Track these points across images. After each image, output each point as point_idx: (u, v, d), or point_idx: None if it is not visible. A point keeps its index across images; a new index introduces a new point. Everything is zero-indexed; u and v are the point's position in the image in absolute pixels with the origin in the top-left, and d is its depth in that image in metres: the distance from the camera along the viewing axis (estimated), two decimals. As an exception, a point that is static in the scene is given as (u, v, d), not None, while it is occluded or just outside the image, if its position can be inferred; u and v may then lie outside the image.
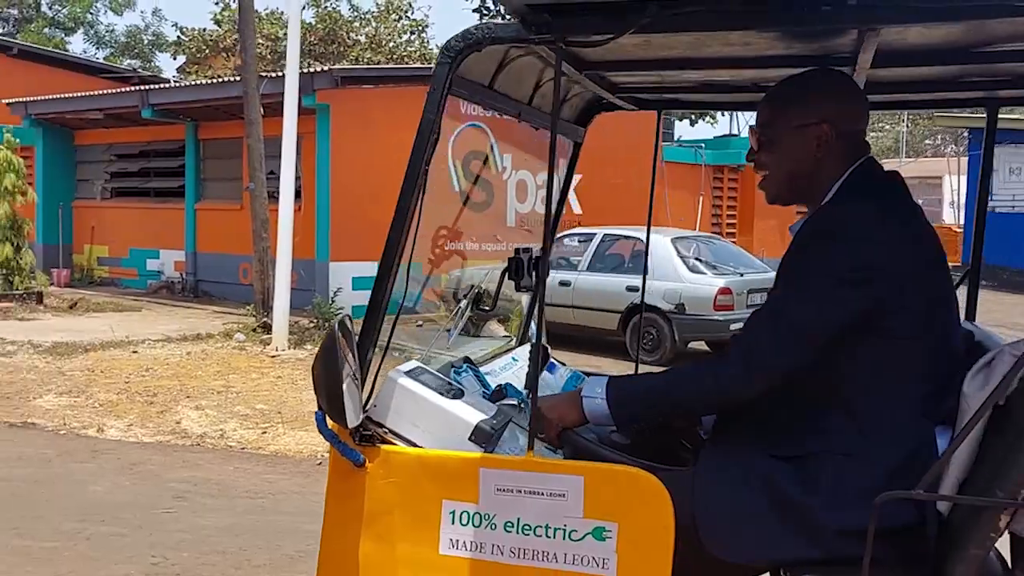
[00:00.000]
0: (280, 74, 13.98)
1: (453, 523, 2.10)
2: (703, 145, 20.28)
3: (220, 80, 17.61)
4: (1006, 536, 1.93)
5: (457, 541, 2.10)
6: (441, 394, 2.22)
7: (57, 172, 17.97)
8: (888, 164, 34.53)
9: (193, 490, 5.86)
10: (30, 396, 8.48)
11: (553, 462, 2.10)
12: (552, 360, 3.17)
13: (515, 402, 2.41)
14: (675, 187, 19.08)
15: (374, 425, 2.19)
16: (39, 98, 17.91)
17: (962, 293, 2.57)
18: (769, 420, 2.14)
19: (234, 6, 18.80)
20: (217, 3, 19.68)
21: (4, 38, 22.94)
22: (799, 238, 2.12)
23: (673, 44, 2.26)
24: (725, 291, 11.31)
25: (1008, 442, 1.85)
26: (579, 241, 12.89)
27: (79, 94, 17.57)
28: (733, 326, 10.70)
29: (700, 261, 11.92)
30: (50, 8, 33.59)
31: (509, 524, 2.06)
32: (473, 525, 2.09)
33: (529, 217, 16.69)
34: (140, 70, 23.45)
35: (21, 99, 18.18)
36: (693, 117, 25.12)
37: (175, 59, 25.55)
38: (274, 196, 11.35)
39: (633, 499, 1.99)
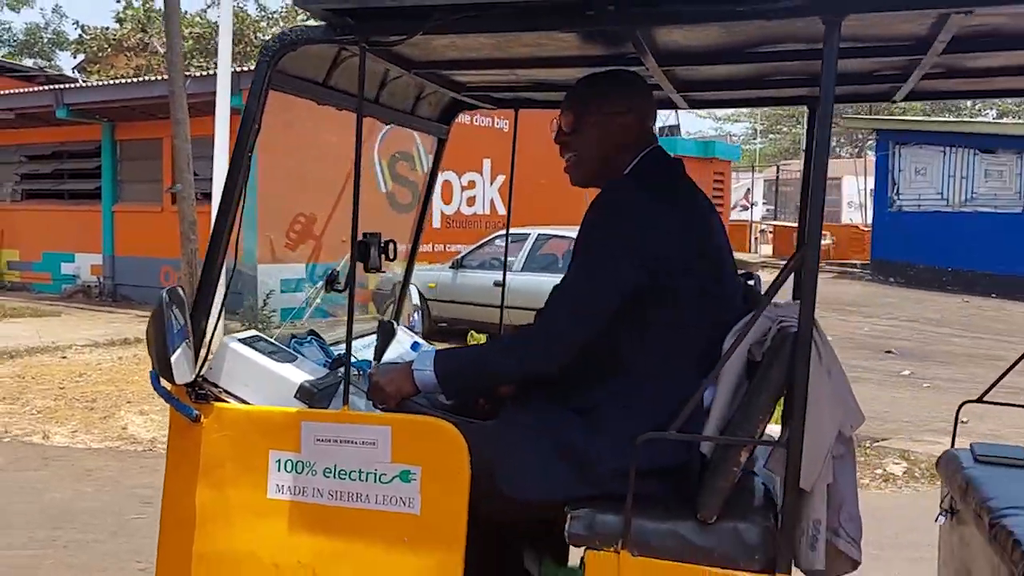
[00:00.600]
0: (200, 74, 14.01)
1: (279, 471, 2.35)
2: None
3: (142, 79, 17.45)
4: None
5: (282, 486, 2.35)
6: (270, 357, 2.47)
7: None
8: (788, 167, 35.52)
9: (158, 495, 5.82)
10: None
11: (365, 415, 2.36)
12: (416, 340, 3.44)
13: (356, 370, 2.67)
14: None
15: (209, 385, 2.43)
16: None
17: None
18: (562, 378, 2.43)
19: (137, 4, 18.67)
20: (119, 0, 19.35)
21: None
22: (585, 217, 2.41)
23: (476, 45, 2.53)
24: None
25: (752, 390, 2.16)
26: (513, 241, 12.84)
27: None
28: None
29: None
30: (-58, 4, 32.80)
31: (328, 470, 2.32)
32: (296, 472, 2.34)
33: (454, 218, 17.06)
34: (46, 69, 22.71)
35: None
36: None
37: (74, 57, 24.91)
38: (199, 198, 11.36)
39: (433, 445, 2.26)
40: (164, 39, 14.60)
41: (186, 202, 11.74)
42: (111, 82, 16.80)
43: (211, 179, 10.67)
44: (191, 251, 11.73)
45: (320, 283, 3.29)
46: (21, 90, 17.34)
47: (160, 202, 15.15)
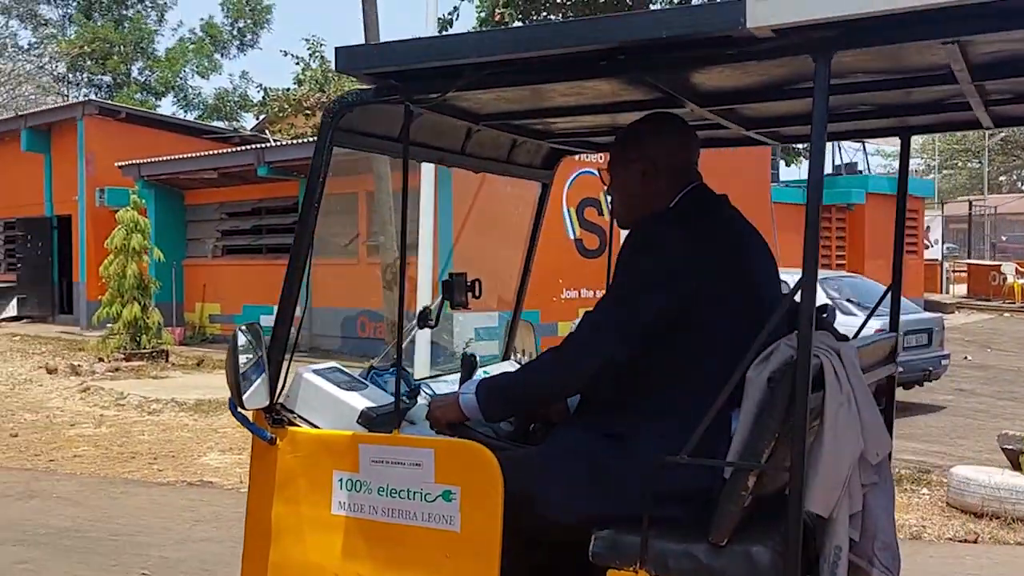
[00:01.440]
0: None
1: (341, 489, 2.59)
2: None
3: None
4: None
5: (344, 503, 2.59)
6: (339, 387, 2.74)
7: (168, 232, 18.20)
8: (981, 202, 33.47)
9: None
10: (194, 455, 8.64)
11: (413, 438, 2.57)
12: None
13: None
14: (783, 228, 18.99)
15: (285, 411, 2.72)
16: (151, 160, 18.37)
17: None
18: (598, 404, 2.57)
19: (315, 65, 19.68)
20: (298, 63, 20.50)
21: (107, 103, 23.53)
22: (620, 252, 2.55)
23: (518, 97, 2.73)
24: (882, 331, 10.87)
25: (759, 416, 2.23)
26: None
27: (193, 155, 18.19)
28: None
29: (850, 302, 11.41)
30: (140, 73, 35.14)
31: (381, 489, 2.54)
32: (355, 490, 2.57)
33: None
34: (240, 130, 24.27)
35: (134, 162, 18.69)
36: (787, 157, 24.96)
37: (257, 119, 26.34)
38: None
39: (471, 467, 2.44)
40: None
41: (388, 253, 12.00)
42: (309, 140, 17.76)
43: (408, 231, 10.84)
44: (393, 300, 11.70)
45: (414, 320, 3.55)
46: (224, 150, 18.49)
47: (356, 255, 15.67)
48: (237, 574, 2.81)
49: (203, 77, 35.71)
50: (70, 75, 35.90)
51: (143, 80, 35.14)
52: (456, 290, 3.40)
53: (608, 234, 3.77)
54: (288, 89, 20.94)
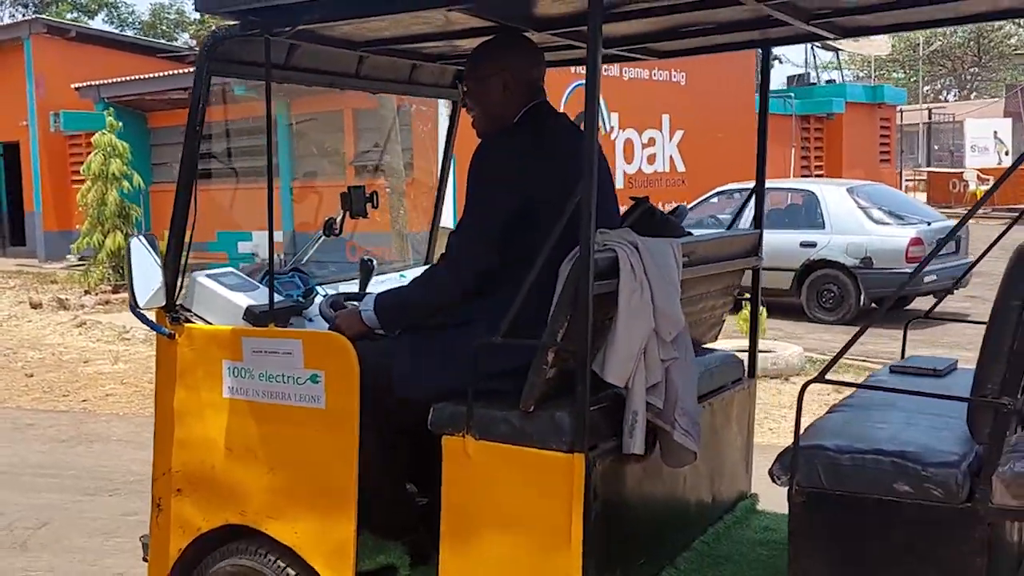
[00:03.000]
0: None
1: (229, 375, 3.01)
2: (792, 95, 19.93)
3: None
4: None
5: (232, 387, 3.01)
6: (229, 288, 3.13)
7: (132, 157, 16.07)
8: (943, 109, 33.27)
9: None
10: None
11: (287, 331, 2.98)
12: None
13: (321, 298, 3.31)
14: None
15: (184, 310, 3.12)
16: (113, 80, 17.23)
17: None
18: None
19: None
20: None
21: (56, 21, 21.42)
22: (471, 162, 2.90)
23: (378, 27, 3.06)
24: (916, 241, 10.75)
25: (557, 303, 2.59)
26: (728, 197, 12.40)
27: (158, 74, 17.08)
28: (927, 279, 10.22)
29: (882, 211, 11.28)
30: (71, -11, 32.78)
31: (261, 375, 2.95)
32: (241, 376, 2.99)
33: (636, 177, 16.55)
34: (195, 48, 22.55)
35: (93, 83, 17.52)
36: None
37: (193, 38, 25.15)
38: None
39: (332, 355, 2.84)
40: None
41: (396, 174, 11.71)
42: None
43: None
44: (401, 222, 11.52)
45: (320, 231, 3.93)
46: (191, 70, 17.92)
47: (343, 176, 15.13)
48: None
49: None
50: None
51: (73, -3, 32.45)
52: (355, 201, 3.77)
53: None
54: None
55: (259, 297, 3.15)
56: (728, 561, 3.18)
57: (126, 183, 13.81)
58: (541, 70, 3.07)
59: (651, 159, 16.88)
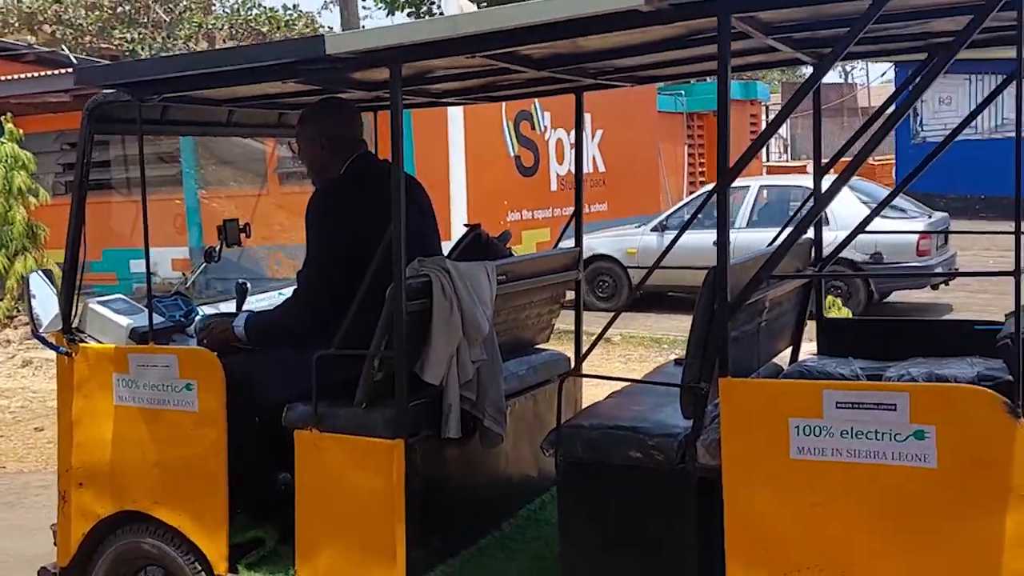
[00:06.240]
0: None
1: (119, 386, 3.58)
2: (683, 92, 20.09)
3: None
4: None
5: (122, 396, 3.58)
6: (116, 312, 3.71)
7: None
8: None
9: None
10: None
11: (167, 348, 3.58)
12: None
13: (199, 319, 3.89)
14: (663, 137, 19.44)
15: (79, 332, 3.69)
16: None
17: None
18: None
19: None
20: None
21: None
22: (307, 212, 3.51)
23: (229, 91, 3.67)
24: (925, 235, 10.63)
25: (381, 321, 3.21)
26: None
27: (27, 75, 14.82)
28: (936, 270, 10.26)
29: (883, 205, 11.29)
30: None
31: (145, 384, 3.53)
32: (128, 386, 3.57)
33: (567, 180, 16.01)
34: (33, 46, 19.17)
35: None
36: None
37: (32, 37, 22.99)
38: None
39: (202, 367, 3.44)
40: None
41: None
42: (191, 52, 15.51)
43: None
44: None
45: (201, 256, 4.51)
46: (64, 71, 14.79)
47: (263, 185, 14.33)
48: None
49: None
50: None
51: None
52: (229, 232, 4.36)
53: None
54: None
55: (144, 319, 3.72)
56: (549, 525, 3.85)
57: (32, 199, 12.03)
58: (356, 127, 3.71)
59: (578, 160, 16.84)
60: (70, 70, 15.01)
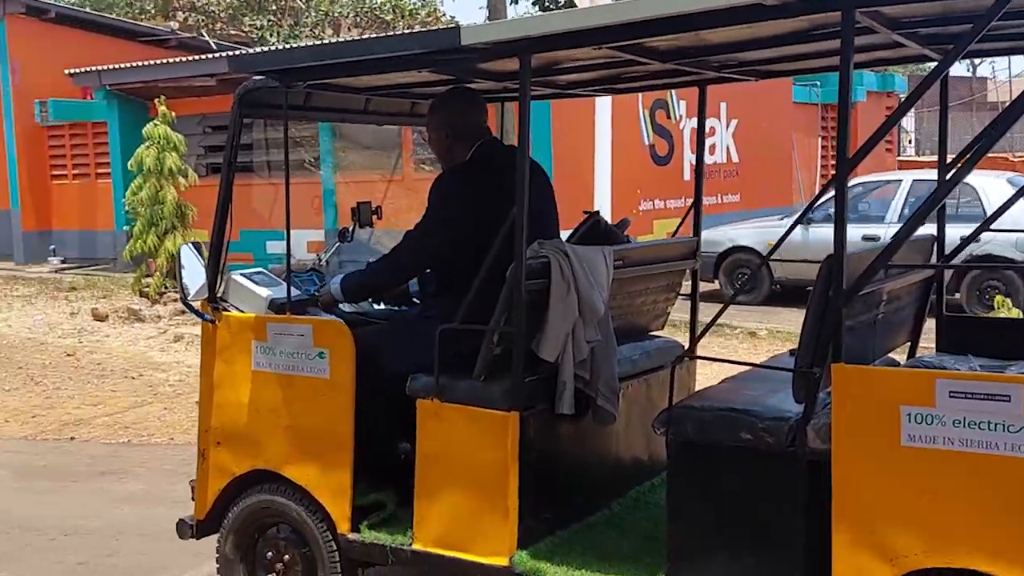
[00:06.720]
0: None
1: (257, 352, 3.83)
2: (818, 83, 19.37)
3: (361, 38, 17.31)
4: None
5: (259, 361, 3.83)
6: (257, 284, 3.96)
7: (133, 150, 12.78)
8: None
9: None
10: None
11: (299, 318, 3.80)
12: None
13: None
14: (796, 128, 18.93)
15: (222, 302, 3.96)
16: (119, 66, 15.39)
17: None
18: (425, 296, 3.79)
19: None
20: None
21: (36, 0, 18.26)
22: (430, 191, 3.71)
23: (369, 80, 3.87)
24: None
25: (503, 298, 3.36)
26: (875, 188, 12.10)
27: (170, 60, 15.58)
28: None
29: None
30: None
31: (282, 352, 3.77)
32: (265, 352, 3.81)
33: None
34: (176, 32, 20.67)
35: (93, 68, 15.50)
36: None
37: (175, 23, 23.00)
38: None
39: (335, 337, 3.66)
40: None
41: None
42: (325, 42, 14.12)
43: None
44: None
45: (337, 237, 4.76)
46: (207, 56, 15.78)
47: (399, 171, 14.52)
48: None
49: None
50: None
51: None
52: (363, 214, 4.58)
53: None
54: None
55: (282, 292, 3.97)
56: (658, 507, 3.92)
57: (182, 180, 12.35)
58: (481, 115, 3.88)
59: (711, 149, 16.27)
60: (215, 55, 16.17)
